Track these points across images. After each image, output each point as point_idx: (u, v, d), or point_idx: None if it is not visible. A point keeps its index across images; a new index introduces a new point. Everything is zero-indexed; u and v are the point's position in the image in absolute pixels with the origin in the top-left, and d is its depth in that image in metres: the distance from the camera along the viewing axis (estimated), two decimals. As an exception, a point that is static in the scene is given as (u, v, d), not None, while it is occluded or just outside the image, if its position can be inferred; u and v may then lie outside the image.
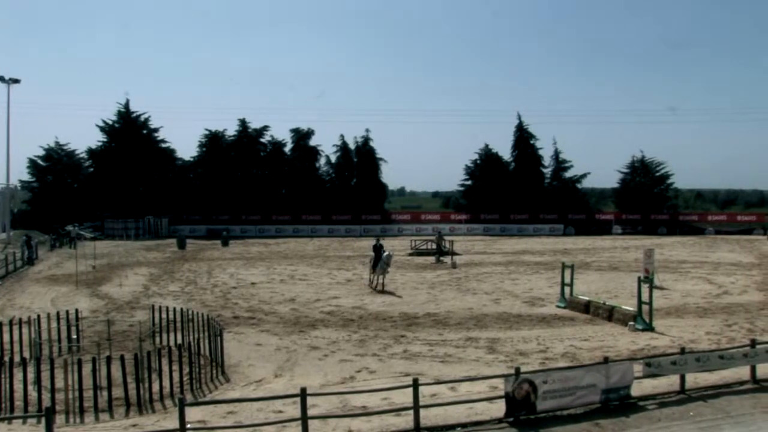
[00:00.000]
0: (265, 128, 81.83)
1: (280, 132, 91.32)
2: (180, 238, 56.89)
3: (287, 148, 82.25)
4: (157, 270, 39.68)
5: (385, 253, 31.75)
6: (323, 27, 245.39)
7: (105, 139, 77.93)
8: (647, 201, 79.77)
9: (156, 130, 79.32)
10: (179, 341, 18.79)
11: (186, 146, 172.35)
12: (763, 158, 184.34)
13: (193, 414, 12.92)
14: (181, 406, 11.79)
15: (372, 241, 35.48)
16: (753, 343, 16.65)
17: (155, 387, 15.09)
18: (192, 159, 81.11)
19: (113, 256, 47.40)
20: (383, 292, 30.36)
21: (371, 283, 32.06)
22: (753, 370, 16.36)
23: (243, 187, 77.67)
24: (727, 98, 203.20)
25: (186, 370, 15.95)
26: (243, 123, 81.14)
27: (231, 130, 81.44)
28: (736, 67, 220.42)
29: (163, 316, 21.26)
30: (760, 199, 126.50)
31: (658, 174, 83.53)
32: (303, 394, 12.30)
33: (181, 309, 21.49)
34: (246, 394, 15.07)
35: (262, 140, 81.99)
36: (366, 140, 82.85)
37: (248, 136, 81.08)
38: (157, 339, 20.39)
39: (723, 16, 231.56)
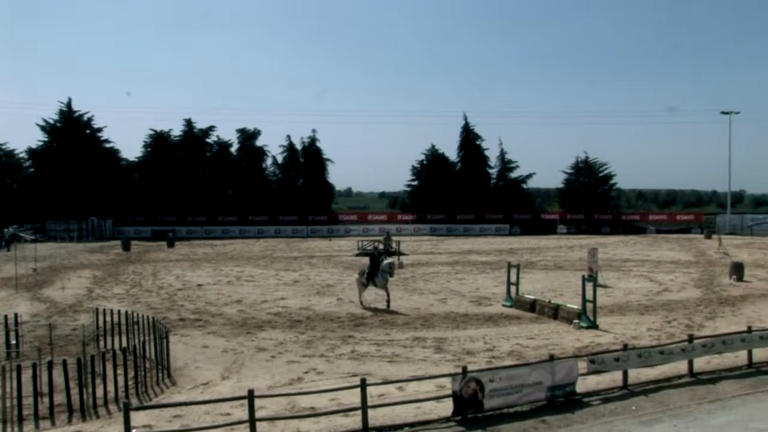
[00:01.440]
0: (211, 128, 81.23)
1: (227, 132, 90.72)
2: (124, 239, 56.09)
3: (233, 149, 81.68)
4: (101, 272, 39.02)
5: (386, 261, 27.54)
6: (268, 27, 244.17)
7: (46, 139, 76.43)
8: (591, 201, 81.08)
9: (99, 129, 78.16)
10: (124, 344, 18.52)
11: (130, 146, 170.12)
12: (700, 160, 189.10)
13: (138, 419, 12.76)
14: (126, 410, 11.64)
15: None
16: (690, 339, 17.17)
17: (99, 392, 14.79)
18: (137, 159, 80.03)
19: (55, 259, 46.49)
20: (388, 311, 25.82)
21: (363, 301, 27.08)
22: (690, 364, 16.89)
23: (189, 188, 76.87)
24: (669, 101, 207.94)
25: (131, 373, 15.74)
26: (189, 123, 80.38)
27: (177, 130, 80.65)
28: (676, 71, 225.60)
29: (108, 319, 20.94)
30: (698, 199, 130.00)
31: (601, 174, 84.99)
32: (251, 396, 12.24)
33: (126, 312, 21.13)
34: (193, 397, 14.91)
35: (208, 140, 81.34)
36: (312, 140, 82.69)
37: (194, 137, 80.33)
38: (102, 343, 20.07)
39: (668, 20, 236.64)
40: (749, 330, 18.27)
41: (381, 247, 47.27)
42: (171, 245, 57.25)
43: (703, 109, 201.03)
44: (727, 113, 73.64)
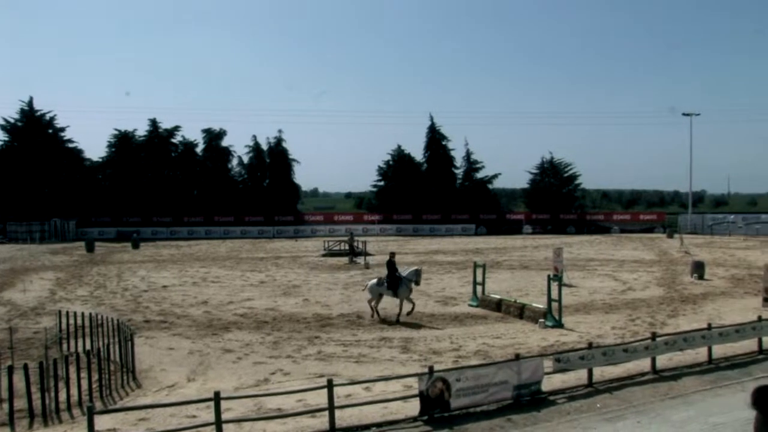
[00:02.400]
0: (176, 128, 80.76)
1: (192, 132, 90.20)
2: (88, 240, 55.45)
3: (199, 149, 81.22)
4: (64, 274, 38.53)
5: (412, 269, 25.16)
6: (234, 26, 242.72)
7: (6, 138, 75.43)
8: (556, 201, 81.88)
9: (62, 129, 77.23)
10: (88, 347, 18.31)
11: (94, 146, 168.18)
12: (663, 161, 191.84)
13: (103, 422, 12.62)
14: (90, 414, 11.51)
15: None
16: (653, 336, 17.44)
17: (62, 396, 14.57)
18: (101, 159, 79.19)
19: (16, 261, 45.85)
20: (404, 323, 23.64)
21: (376, 314, 24.48)
22: (653, 361, 17.13)
23: (154, 189, 76.31)
24: (632, 103, 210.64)
25: (95, 377, 15.54)
26: (154, 123, 79.85)
27: (141, 130, 79.98)
28: (639, 74, 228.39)
29: (71, 321, 20.71)
30: (661, 200, 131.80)
31: (566, 175, 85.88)
32: (217, 397, 12.19)
33: (90, 314, 20.89)
34: (158, 400, 14.79)
35: (173, 141, 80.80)
36: (279, 141, 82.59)
37: (159, 137, 79.78)
38: (65, 346, 19.83)
39: (631, 22, 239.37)
40: (709, 327, 18.60)
41: (346, 247, 47.30)
42: (136, 246, 56.72)
43: (665, 110, 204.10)
44: (687, 115, 74.78)
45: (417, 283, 24.82)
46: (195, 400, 13.38)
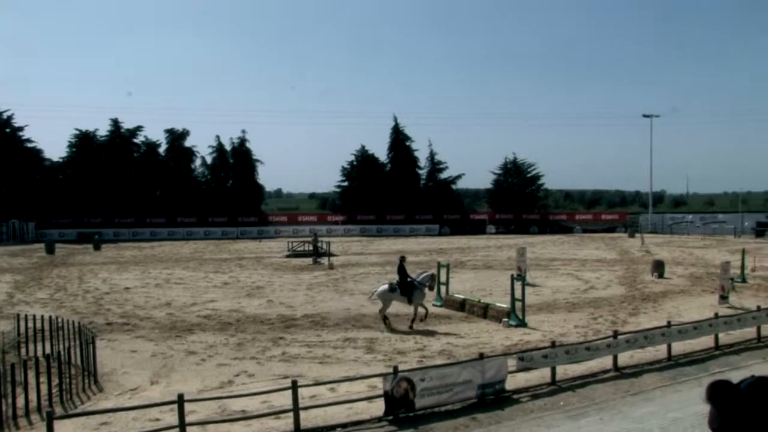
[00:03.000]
0: (138, 128, 79.95)
1: (155, 133, 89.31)
2: (48, 242, 54.62)
3: (162, 149, 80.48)
4: (23, 276, 37.94)
5: (426, 273, 23.83)
6: (194, 26, 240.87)
7: (-38, 138, 73.85)
8: (519, 201, 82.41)
9: (21, 128, 75.84)
10: (47, 351, 18.07)
11: (54, 146, 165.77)
12: (624, 161, 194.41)
13: (63, 428, 12.49)
14: (49, 419, 11.34)
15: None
16: (615, 334, 17.72)
17: (20, 402, 14.29)
18: (61, 160, 78.04)
19: (-26, 263, 45.02)
20: (411, 330, 22.17)
21: (387, 322, 22.39)
22: (615, 359, 17.40)
23: (116, 189, 75.38)
24: (594, 105, 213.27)
25: (55, 381, 15.32)
26: (116, 123, 78.92)
27: (103, 130, 79.02)
28: (601, 76, 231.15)
29: (30, 325, 20.37)
30: (622, 199, 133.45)
31: (529, 175, 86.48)
32: (180, 400, 12.12)
33: (50, 317, 20.55)
34: (120, 404, 14.63)
35: (135, 141, 79.94)
36: (242, 141, 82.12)
37: (121, 137, 78.90)
38: (23, 350, 19.52)
39: (593, 25, 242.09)
40: (669, 325, 18.96)
41: (310, 247, 47.20)
42: (97, 248, 56.04)
43: (626, 112, 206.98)
44: (648, 116, 75.81)
45: (431, 288, 23.67)
46: (158, 403, 13.26)
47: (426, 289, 23.09)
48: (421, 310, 22.95)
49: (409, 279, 22.79)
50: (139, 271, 40.13)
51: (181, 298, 29.19)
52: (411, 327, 22.31)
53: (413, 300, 22.55)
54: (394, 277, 24.27)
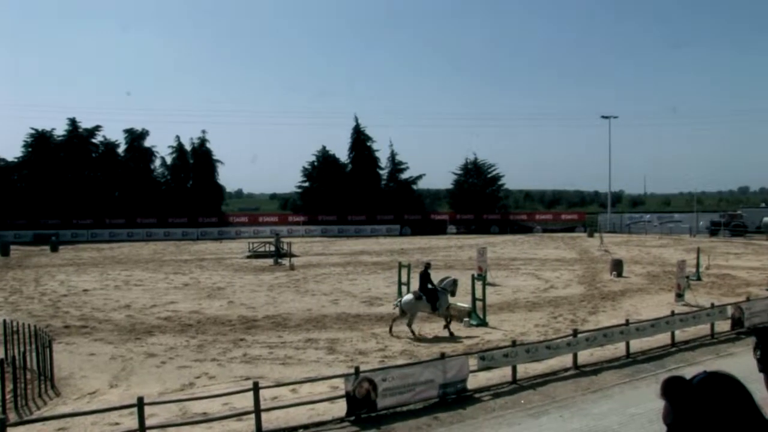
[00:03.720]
0: (97, 128, 78.85)
1: (113, 133, 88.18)
2: (3, 244, 53.60)
3: (121, 150, 79.49)
4: (-23, 279, 37.22)
5: (450, 278, 22.69)
6: (153, 25, 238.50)
7: None
8: (480, 201, 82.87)
9: (-27, 128, 74.33)
10: (1, 356, 17.72)
11: (9, 146, 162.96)
12: (583, 162, 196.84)
13: (20, 433, 12.28)
14: (2, 426, 11.11)
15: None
16: (575, 333, 17.96)
17: (-28, 408, 14.04)
18: (16, 160, 76.58)
19: (-75, 266, 44.06)
20: (453, 338, 21.18)
21: (416, 329, 21.35)
22: (575, 357, 17.62)
23: (73, 190, 74.22)
24: (554, 105, 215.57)
25: (9, 387, 15.04)
26: (73, 122, 77.74)
27: (60, 130, 77.79)
28: (559, 77, 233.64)
29: (-16, 329, 19.98)
30: (581, 200, 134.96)
31: (489, 175, 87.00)
32: (140, 403, 12.00)
33: (5, 320, 20.17)
34: (78, 408, 14.38)
35: (93, 141, 78.84)
36: (202, 141, 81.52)
37: (79, 137, 77.75)
38: (-23, 354, 19.13)
39: (552, 28, 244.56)
40: (627, 323, 19.28)
41: (271, 248, 47.00)
42: (54, 249, 55.19)
43: (586, 113, 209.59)
44: (606, 118, 76.79)
45: (453, 293, 22.28)
46: (117, 406, 13.08)
47: (449, 296, 22.01)
48: (447, 318, 21.95)
49: (431, 286, 21.74)
50: (98, 272, 39.59)
51: (141, 300, 28.87)
52: (451, 333, 21.41)
53: (439, 307, 21.50)
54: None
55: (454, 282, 22.43)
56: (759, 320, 21.80)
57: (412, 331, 21.15)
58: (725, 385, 2.12)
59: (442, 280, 22.40)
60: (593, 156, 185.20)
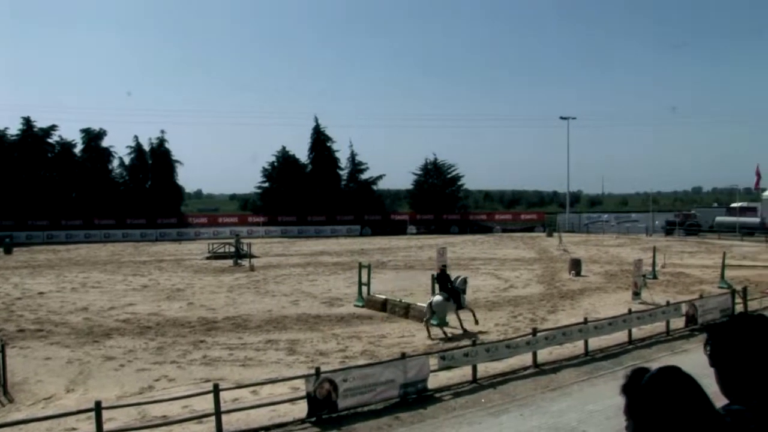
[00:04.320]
0: (52, 128, 77.43)
1: (70, 132, 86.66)
2: (-47, 246, 52.52)
3: (77, 150, 78.20)
4: (-72, 282, 36.39)
5: (461, 277, 23.27)
6: (111, 25, 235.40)
7: None
8: (440, 201, 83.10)
9: None
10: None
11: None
12: (542, 162, 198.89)
13: (-30, 442, 12.04)
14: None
15: None
16: (534, 332, 18.14)
17: None
18: (-33, 159, 74.91)
19: None
20: (468, 333, 21.33)
21: (430, 333, 21.25)
22: (534, 356, 17.80)
23: (28, 191, 72.70)
24: (511, 106, 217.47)
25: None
26: (27, 122, 76.21)
27: (14, 129, 76.30)
28: (520, 79, 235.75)
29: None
30: (540, 200, 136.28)
31: (449, 176, 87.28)
32: (98, 408, 11.85)
33: (-43, 325, 19.81)
34: (33, 414, 14.13)
35: (49, 140, 77.41)
36: (161, 141, 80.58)
37: (33, 136, 76.20)
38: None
39: (510, 30, 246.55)
40: (586, 321, 19.54)
41: (231, 249, 46.70)
42: (8, 251, 54.23)
43: (545, 114, 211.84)
44: (565, 119, 77.57)
45: (464, 291, 22.73)
46: (74, 411, 12.87)
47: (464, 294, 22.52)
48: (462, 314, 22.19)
49: (450, 286, 22.20)
50: (54, 275, 38.95)
51: (99, 302, 28.47)
52: (476, 320, 22.15)
53: (462, 304, 22.06)
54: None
55: (465, 280, 22.97)
56: (712, 317, 22.29)
57: (444, 332, 21.33)
58: (675, 380, 2.18)
59: (455, 279, 22.72)
60: (552, 157, 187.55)
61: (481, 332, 21.32)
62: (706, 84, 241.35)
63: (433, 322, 22.52)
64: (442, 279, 22.62)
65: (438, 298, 22.04)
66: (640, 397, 2.16)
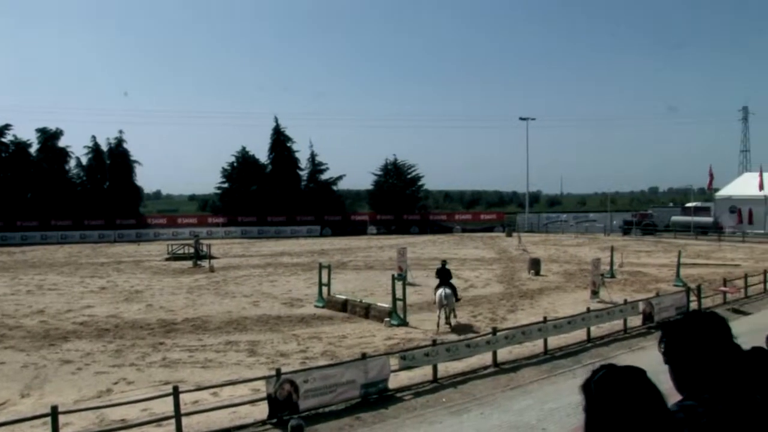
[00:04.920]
0: (6, 127, 75.83)
1: (25, 132, 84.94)
2: None
3: (33, 150, 76.78)
4: None
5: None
6: (68, 23, 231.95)
7: None
8: (400, 202, 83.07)
9: None
10: None
11: None
12: (502, 163, 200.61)
13: None
14: None
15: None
16: (494, 331, 18.31)
17: None
18: None
19: None
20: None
21: (441, 322, 22.48)
22: (494, 355, 17.97)
23: (-19, 192, 71.22)
24: (472, 107, 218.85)
25: None
26: (-21, 121, 74.65)
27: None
28: (480, 79, 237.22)
29: None
30: (500, 200, 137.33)
31: (409, 176, 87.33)
32: (54, 412, 11.67)
33: None
34: (-13, 419, 13.94)
35: (3, 140, 75.89)
36: (119, 142, 79.48)
37: (-14, 136, 74.68)
38: None
39: (472, 32, 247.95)
40: (545, 320, 19.76)
41: (190, 250, 46.31)
42: (-39, 254, 53.12)
43: (504, 114, 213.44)
44: (524, 119, 78.22)
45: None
46: (29, 417, 12.68)
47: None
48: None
49: (449, 280, 23.48)
50: (9, 277, 38.22)
51: (55, 305, 28.02)
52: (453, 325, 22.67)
53: (457, 299, 23.43)
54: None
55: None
56: (668, 315, 22.71)
57: (449, 323, 22.56)
58: (626, 377, 2.23)
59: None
60: (512, 157, 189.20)
61: (441, 332, 21.43)
62: (662, 87, 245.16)
63: (393, 322, 22.60)
64: (443, 273, 23.78)
65: (448, 291, 22.65)
66: (593, 394, 2.21)
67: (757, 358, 3.05)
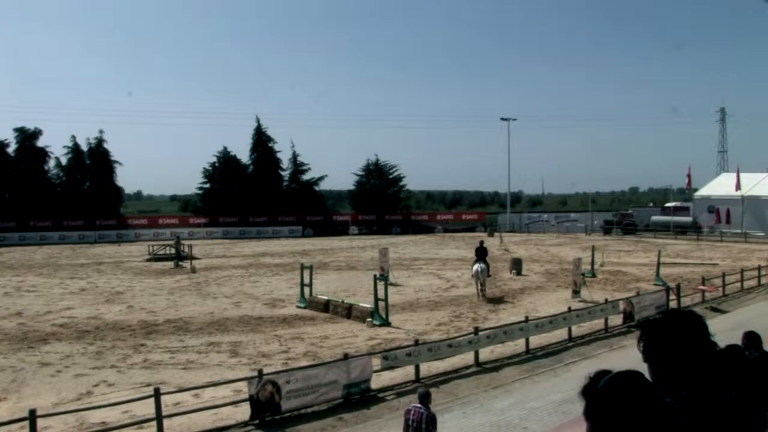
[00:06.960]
0: (-18, 127, 75.17)
1: (3, 132, 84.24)
2: None
3: (11, 149, 76.10)
4: None
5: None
6: (52, 22, 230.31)
7: None
8: (382, 202, 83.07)
9: None
10: None
11: None
12: (483, 163, 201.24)
13: None
14: None
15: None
16: (476, 331, 18.36)
17: None
18: None
19: None
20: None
21: (477, 292, 28.23)
22: (476, 354, 18.05)
23: (-43, 192, 70.52)
24: (456, 106, 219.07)
25: None
26: (-44, 121, 73.93)
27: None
28: (461, 79, 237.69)
29: None
30: (482, 200, 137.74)
31: (391, 176, 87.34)
32: (32, 416, 11.56)
33: None
34: (-36, 423, 13.80)
35: (-20, 140, 75.19)
36: (100, 142, 78.90)
37: (-37, 136, 73.89)
38: None
39: (451, 31, 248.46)
40: (526, 320, 19.84)
41: (172, 251, 46.10)
42: (-62, 256, 52.56)
43: (485, 115, 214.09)
44: (506, 120, 78.42)
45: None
46: (6, 421, 12.53)
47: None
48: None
49: (485, 257, 28.97)
50: (-13, 279, 37.90)
51: (34, 307, 27.79)
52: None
53: (490, 273, 29.75)
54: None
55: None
56: (648, 314, 22.90)
57: (482, 293, 28.02)
58: (632, 383, 2.24)
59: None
60: (493, 157, 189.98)
61: (423, 332, 21.47)
62: (645, 89, 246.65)
63: (376, 322, 22.65)
64: (480, 252, 29.11)
65: (482, 265, 28.00)
66: (598, 400, 2.21)
67: (732, 356, 3.08)
